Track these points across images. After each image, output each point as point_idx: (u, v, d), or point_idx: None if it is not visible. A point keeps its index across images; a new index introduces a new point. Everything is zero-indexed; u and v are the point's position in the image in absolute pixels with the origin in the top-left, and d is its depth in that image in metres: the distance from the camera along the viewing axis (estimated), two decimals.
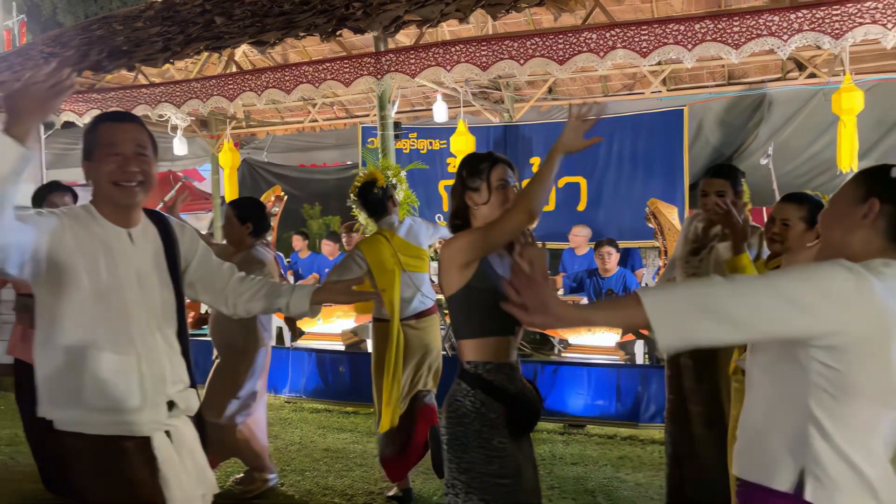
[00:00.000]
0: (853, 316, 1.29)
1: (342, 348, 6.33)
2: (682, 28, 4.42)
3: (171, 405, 1.94)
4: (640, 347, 5.85)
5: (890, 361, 1.28)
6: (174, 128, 7.36)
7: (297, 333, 6.65)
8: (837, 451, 1.32)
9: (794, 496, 1.36)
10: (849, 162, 5.64)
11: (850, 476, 1.32)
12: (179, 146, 7.84)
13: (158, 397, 1.91)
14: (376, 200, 3.83)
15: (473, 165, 2.16)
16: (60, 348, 1.82)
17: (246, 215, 3.71)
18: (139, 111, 6.25)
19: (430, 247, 4.02)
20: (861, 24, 4.03)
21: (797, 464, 1.37)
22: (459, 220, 2.20)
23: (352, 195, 5.63)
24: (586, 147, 2.06)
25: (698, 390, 3.19)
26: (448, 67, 5.05)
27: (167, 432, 1.93)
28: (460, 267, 2.06)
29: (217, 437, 3.70)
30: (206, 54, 6.46)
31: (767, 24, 4.23)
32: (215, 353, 3.86)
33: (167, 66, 6.44)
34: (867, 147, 6.70)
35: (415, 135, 8.63)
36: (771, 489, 1.40)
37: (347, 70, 5.37)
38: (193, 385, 2.06)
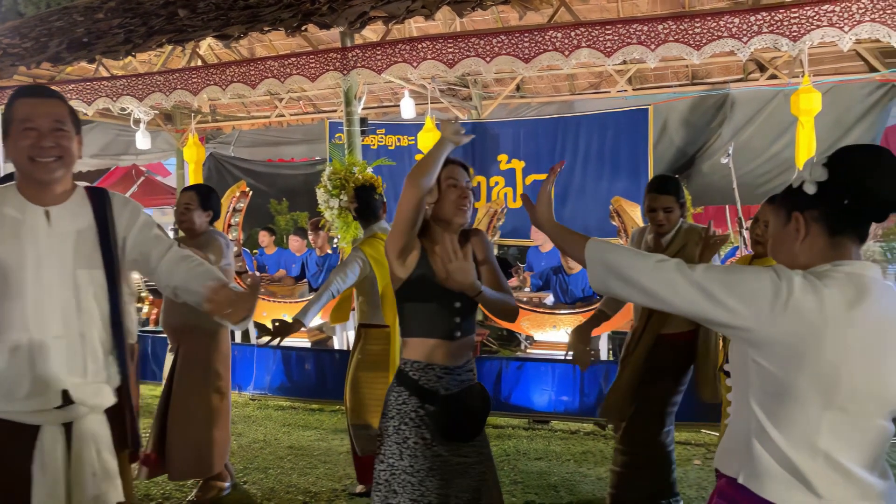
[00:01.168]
0: (771, 319, 1.33)
1: (308, 345, 6.30)
2: (646, 28, 4.49)
3: (66, 397, 1.83)
4: (604, 343, 5.93)
5: (822, 365, 1.32)
6: (137, 121, 7.25)
7: (262, 330, 6.61)
8: (774, 450, 1.37)
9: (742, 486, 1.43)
10: None
11: (782, 472, 1.37)
12: (142, 140, 7.71)
13: (49, 387, 1.81)
14: (376, 205, 3.80)
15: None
16: None
17: (209, 203, 3.73)
18: (100, 104, 6.14)
19: None
20: (818, 26, 4.13)
21: (742, 458, 1.43)
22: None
23: (319, 189, 5.64)
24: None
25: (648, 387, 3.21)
26: (415, 64, 5.05)
27: (67, 425, 1.85)
28: (394, 264, 2.10)
29: (192, 450, 3.65)
30: (169, 47, 6.37)
31: (728, 25, 4.31)
32: (171, 344, 3.77)
33: (129, 58, 6.34)
34: (825, 147, 6.85)
35: (382, 131, 8.61)
36: (729, 477, 1.47)
37: (313, 65, 5.34)
38: (125, 379, 1.96)
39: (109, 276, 1.92)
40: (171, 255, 2.00)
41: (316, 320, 6.38)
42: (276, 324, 3.28)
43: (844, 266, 1.38)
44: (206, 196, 3.74)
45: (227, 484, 3.91)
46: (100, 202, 1.94)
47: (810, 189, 1.41)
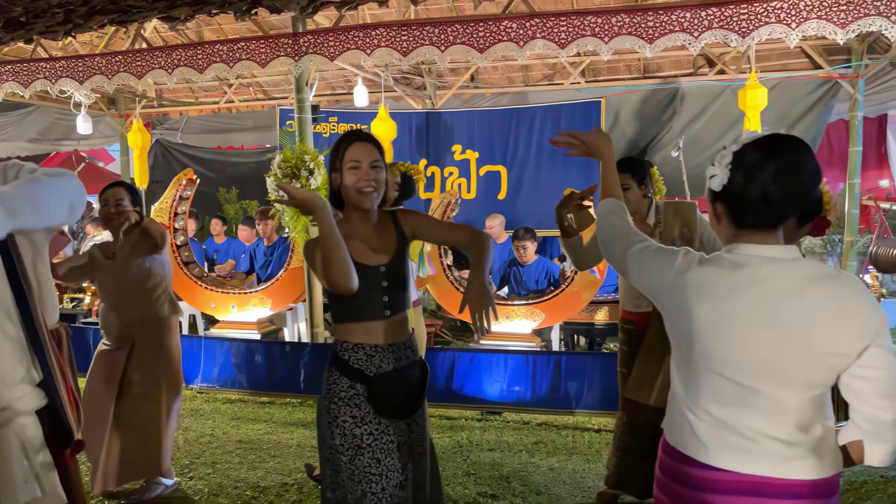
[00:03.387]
0: (671, 290, 1.58)
1: (258, 337, 6.18)
2: (600, 21, 4.50)
3: None
4: (555, 334, 5.97)
5: (699, 333, 1.51)
6: (77, 105, 6.97)
7: (211, 321, 6.47)
8: (679, 405, 1.60)
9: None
10: None
11: (683, 423, 1.58)
12: (83, 125, 7.43)
13: None
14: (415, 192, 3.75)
15: (334, 147, 2.13)
16: None
17: (137, 198, 3.63)
18: (38, 86, 5.89)
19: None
20: (767, 23, 4.20)
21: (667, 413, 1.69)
22: (332, 202, 2.17)
23: (270, 178, 5.51)
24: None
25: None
26: (368, 51, 4.97)
27: None
28: (317, 265, 2.06)
29: (146, 450, 3.52)
30: (112, 28, 6.14)
31: (680, 20, 4.36)
32: (115, 344, 3.58)
33: (69, 39, 6.09)
34: None
35: (335, 119, 8.49)
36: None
37: (263, 50, 5.21)
38: (48, 371, 1.84)
39: (9, 270, 1.77)
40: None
41: (265, 311, 6.29)
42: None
43: (735, 248, 1.53)
44: (134, 191, 3.64)
45: (171, 481, 3.80)
46: None
47: (715, 185, 1.54)
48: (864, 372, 1.43)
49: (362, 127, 8.27)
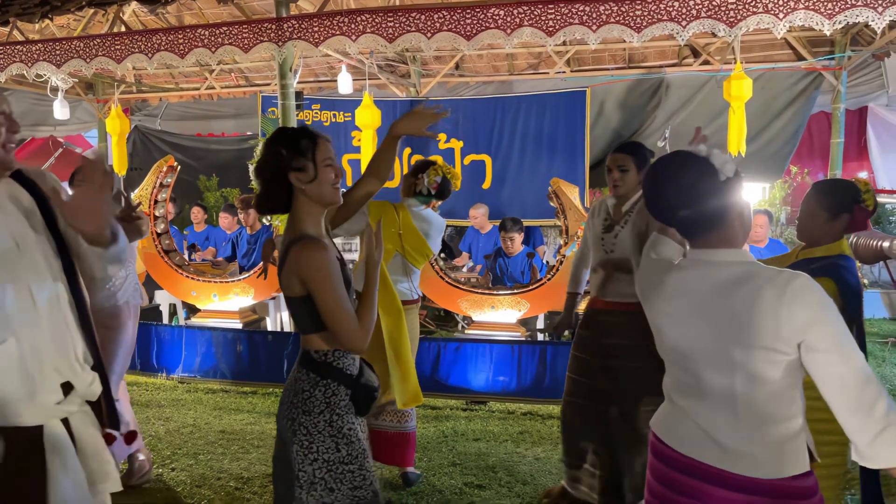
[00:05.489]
0: (645, 286, 1.81)
1: (240, 326, 6.11)
2: (588, 9, 4.47)
3: (66, 389, 1.71)
4: (540, 324, 5.97)
5: (654, 327, 1.76)
6: (54, 90, 6.82)
7: (192, 310, 6.38)
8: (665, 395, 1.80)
9: None
10: (737, 146, 5.92)
11: (661, 410, 1.80)
12: (60, 110, 7.28)
13: (47, 381, 1.67)
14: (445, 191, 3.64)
15: (294, 144, 1.99)
16: None
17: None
18: (14, 70, 5.74)
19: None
20: (755, 13, 4.19)
21: None
22: (273, 202, 2.04)
23: (252, 166, 5.43)
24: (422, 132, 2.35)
25: (633, 369, 3.15)
26: (353, 37, 4.90)
27: (66, 420, 1.72)
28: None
29: None
30: (90, 11, 6.00)
31: (668, 9, 4.33)
32: None
33: (46, 22, 5.94)
34: (754, 133, 7.06)
35: (318, 106, 8.40)
36: None
37: (246, 35, 5.11)
38: (99, 364, 1.83)
39: (62, 251, 1.77)
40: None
41: (247, 301, 6.22)
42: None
43: (661, 252, 1.83)
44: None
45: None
46: (22, 179, 1.77)
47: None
48: (811, 369, 1.50)
49: (346, 115, 8.21)
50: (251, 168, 5.36)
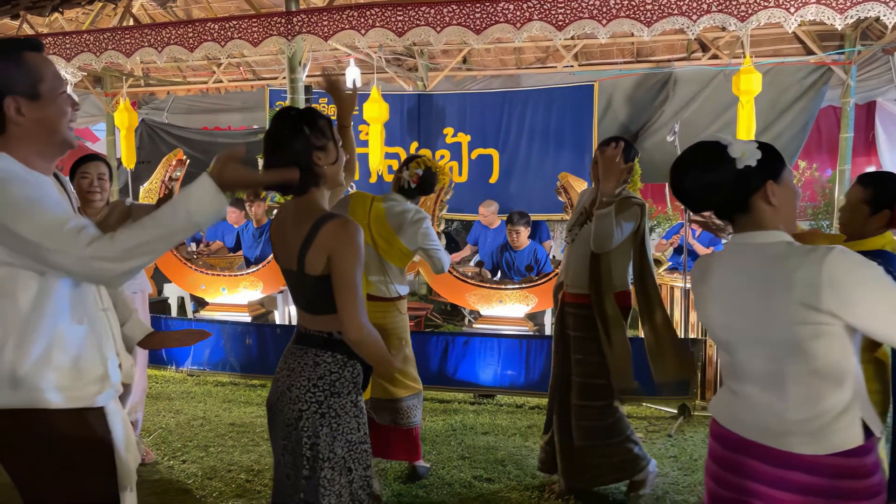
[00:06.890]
0: (693, 278, 1.84)
1: (248, 319, 6.14)
2: (598, 3, 4.47)
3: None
4: (548, 318, 5.98)
5: (701, 315, 1.80)
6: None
7: (200, 304, 6.41)
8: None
9: None
10: None
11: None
12: None
13: (111, 363, 1.76)
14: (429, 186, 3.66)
15: (314, 123, 1.99)
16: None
17: (112, 174, 3.54)
18: None
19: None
20: (766, 7, 4.18)
21: None
22: (303, 181, 1.99)
23: (261, 159, 5.42)
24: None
25: (582, 362, 3.29)
26: (362, 31, 4.91)
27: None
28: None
29: None
30: (99, 5, 6.02)
31: (678, 3, 4.33)
32: None
33: (55, 15, 5.96)
34: (762, 127, 7.04)
35: (325, 100, 8.40)
36: None
37: (256, 29, 5.13)
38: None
39: None
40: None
41: (256, 294, 6.24)
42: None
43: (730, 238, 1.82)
44: (110, 167, 3.53)
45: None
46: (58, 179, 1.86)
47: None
48: (861, 325, 1.50)
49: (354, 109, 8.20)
50: (260, 162, 5.38)
